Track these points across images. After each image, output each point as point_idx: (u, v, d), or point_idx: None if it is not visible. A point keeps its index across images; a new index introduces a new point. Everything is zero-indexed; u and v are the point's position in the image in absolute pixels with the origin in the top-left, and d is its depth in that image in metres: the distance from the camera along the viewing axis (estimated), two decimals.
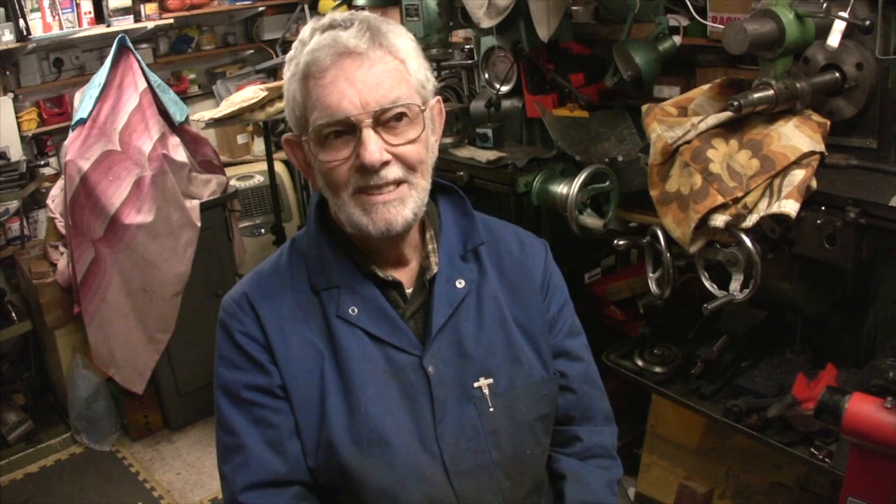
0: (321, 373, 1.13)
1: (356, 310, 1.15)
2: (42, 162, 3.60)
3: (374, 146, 1.05)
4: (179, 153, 3.14)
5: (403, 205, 1.10)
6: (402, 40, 1.11)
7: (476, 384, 1.17)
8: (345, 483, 1.11)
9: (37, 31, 3.44)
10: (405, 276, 1.20)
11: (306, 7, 4.11)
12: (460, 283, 1.20)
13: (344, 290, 1.16)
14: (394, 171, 1.08)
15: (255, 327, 1.15)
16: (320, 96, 1.06)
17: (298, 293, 1.17)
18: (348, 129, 1.07)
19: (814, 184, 1.59)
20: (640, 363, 2.13)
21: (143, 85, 3.12)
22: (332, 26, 1.08)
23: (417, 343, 1.16)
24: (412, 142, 1.10)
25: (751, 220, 1.60)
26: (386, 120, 1.07)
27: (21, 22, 3.38)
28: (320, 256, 1.18)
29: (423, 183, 1.13)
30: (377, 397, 1.12)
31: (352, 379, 1.12)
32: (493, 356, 1.19)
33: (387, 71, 1.07)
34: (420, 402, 1.14)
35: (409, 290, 1.20)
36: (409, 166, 1.10)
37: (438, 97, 1.17)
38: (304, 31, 1.11)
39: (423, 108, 1.11)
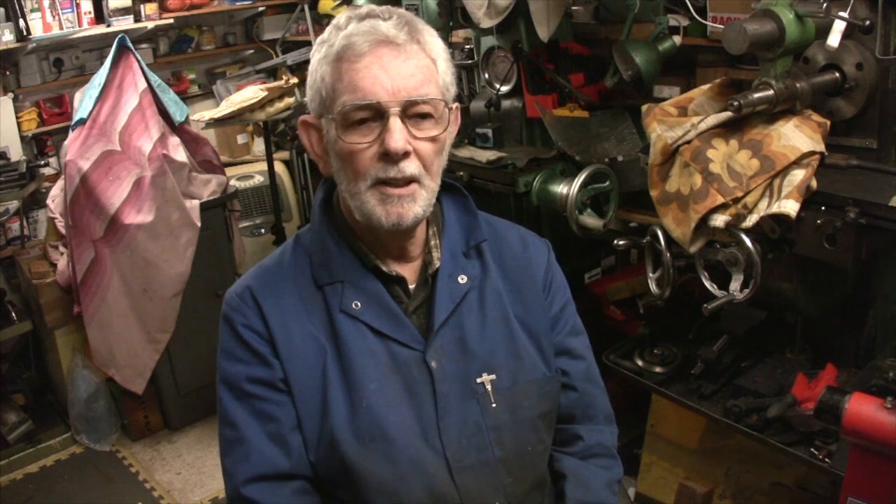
0: (323, 367, 1.14)
1: (359, 304, 1.15)
2: (42, 162, 3.59)
3: (399, 134, 1.06)
4: (179, 153, 3.14)
5: (415, 202, 1.11)
6: (436, 40, 1.13)
7: (479, 380, 1.17)
8: (346, 478, 1.11)
9: (37, 31, 3.44)
10: (409, 271, 1.21)
11: (306, 7, 4.11)
12: (462, 279, 1.20)
13: (347, 284, 1.16)
14: (411, 167, 1.09)
15: (257, 320, 1.15)
16: (353, 79, 1.07)
17: (302, 288, 1.18)
18: (375, 116, 1.08)
19: (814, 184, 1.59)
20: (640, 363, 2.13)
21: (143, 85, 3.12)
22: (370, 15, 1.10)
23: (420, 338, 1.16)
24: (433, 139, 1.11)
25: (751, 220, 1.60)
26: (413, 113, 1.09)
27: (21, 22, 3.38)
28: (324, 251, 1.19)
29: (433, 185, 1.14)
30: (380, 392, 1.13)
31: (354, 373, 1.13)
32: (496, 352, 1.19)
33: (420, 66, 1.09)
34: (423, 397, 1.14)
35: (412, 286, 1.20)
36: (425, 165, 1.11)
37: (457, 104, 1.19)
38: (340, 18, 1.12)
39: (449, 106, 1.13)
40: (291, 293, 1.17)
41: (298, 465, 1.13)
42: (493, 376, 1.17)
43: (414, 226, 1.13)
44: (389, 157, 1.07)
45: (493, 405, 1.16)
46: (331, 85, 1.09)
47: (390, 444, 1.11)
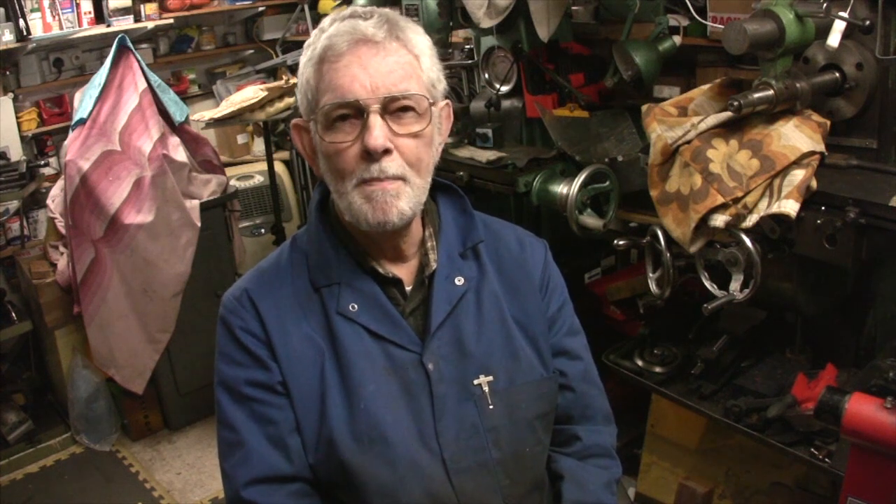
0: (321, 369, 1.13)
1: (356, 306, 1.15)
2: (42, 162, 3.60)
3: (378, 131, 1.06)
4: (179, 153, 3.14)
5: (399, 198, 1.10)
6: (419, 37, 1.13)
7: (476, 381, 1.17)
8: (345, 480, 1.11)
9: (37, 31, 3.44)
10: (405, 273, 1.20)
11: (306, 7, 4.11)
12: (459, 281, 1.20)
13: (344, 286, 1.16)
14: (393, 166, 1.08)
15: (255, 323, 1.15)
16: (333, 79, 1.07)
17: (299, 290, 1.17)
18: (356, 114, 1.08)
19: (814, 184, 1.59)
20: (640, 363, 2.12)
21: (143, 85, 3.12)
22: (352, 16, 1.10)
23: (417, 340, 1.16)
24: (416, 135, 1.10)
25: (751, 220, 1.60)
26: (394, 109, 1.08)
27: (21, 22, 3.38)
28: (321, 253, 1.19)
29: (420, 182, 1.13)
30: (377, 394, 1.12)
31: (352, 376, 1.13)
32: (493, 354, 1.19)
33: (400, 63, 1.09)
34: (420, 399, 1.14)
35: (409, 288, 1.20)
36: (409, 162, 1.10)
37: (448, 101, 1.19)
38: (325, 21, 1.13)
39: (431, 102, 1.12)
40: (289, 295, 1.17)
41: (298, 467, 1.13)
42: (490, 378, 1.17)
43: (401, 224, 1.12)
44: (371, 156, 1.07)
45: (491, 407, 1.16)
46: (314, 87, 1.10)
47: (388, 446, 1.11)
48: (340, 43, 1.07)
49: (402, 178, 1.10)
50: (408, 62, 1.10)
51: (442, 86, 1.16)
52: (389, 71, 1.07)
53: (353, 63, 1.07)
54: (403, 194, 1.10)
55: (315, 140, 1.13)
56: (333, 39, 1.08)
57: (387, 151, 1.08)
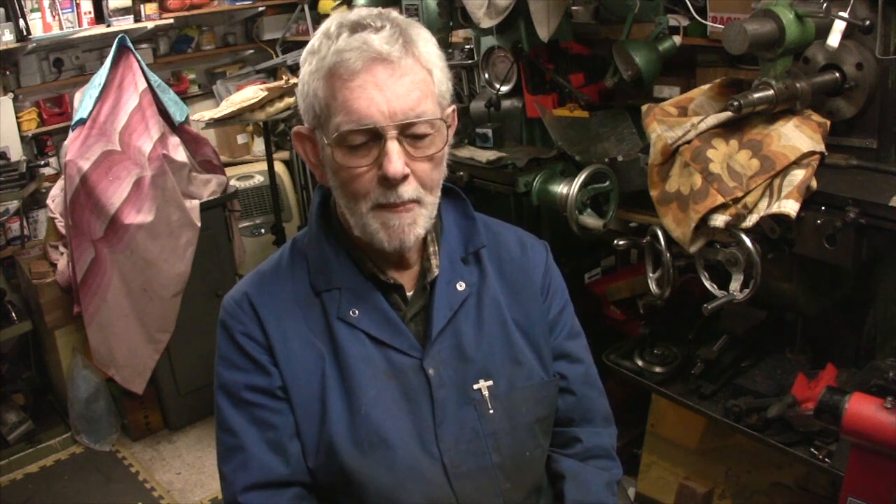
0: (322, 374, 1.13)
1: (357, 312, 1.15)
2: (42, 162, 3.60)
3: (397, 158, 1.04)
4: (179, 153, 3.14)
5: (416, 224, 1.10)
6: (430, 48, 1.10)
7: (476, 386, 1.17)
8: (345, 484, 1.11)
9: (37, 31, 3.44)
10: (406, 278, 1.20)
11: (306, 7, 4.11)
12: (461, 286, 1.20)
13: (345, 291, 1.16)
14: (409, 191, 1.07)
15: (255, 328, 1.15)
16: (347, 99, 1.04)
17: (299, 294, 1.17)
18: (373, 137, 1.06)
19: (814, 184, 1.59)
20: (640, 363, 2.12)
21: (143, 85, 3.12)
22: (361, 26, 1.06)
23: (418, 345, 1.16)
24: (431, 158, 1.09)
25: (751, 220, 1.60)
26: (410, 133, 1.06)
27: (21, 22, 3.38)
28: (322, 258, 1.18)
29: (433, 199, 1.13)
30: (378, 399, 1.12)
31: (353, 381, 1.12)
32: (493, 358, 1.19)
33: (416, 82, 1.06)
34: (420, 404, 1.14)
35: (410, 293, 1.20)
36: (423, 184, 1.09)
37: (454, 105, 1.16)
38: (330, 25, 1.08)
39: (447, 122, 1.10)
40: (289, 300, 1.17)
41: (296, 472, 1.13)
42: (489, 382, 1.17)
43: (415, 244, 1.13)
44: (388, 181, 1.06)
45: (491, 411, 1.16)
46: (324, 101, 1.06)
47: (389, 451, 1.11)
48: (354, 59, 1.03)
49: (418, 201, 1.09)
50: (422, 79, 1.07)
51: (450, 92, 1.14)
52: (406, 93, 1.04)
53: (369, 84, 1.03)
54: (419, 218, 1.10)
55: (325, 155, 1.10)
56: (345, 55, 1.03)
57: (404, 177, 1.06)
